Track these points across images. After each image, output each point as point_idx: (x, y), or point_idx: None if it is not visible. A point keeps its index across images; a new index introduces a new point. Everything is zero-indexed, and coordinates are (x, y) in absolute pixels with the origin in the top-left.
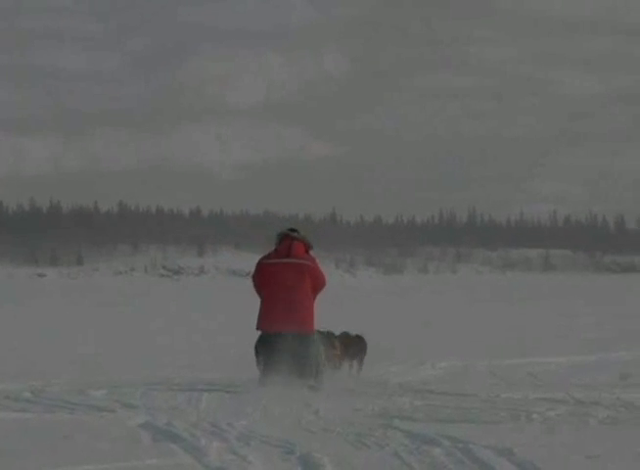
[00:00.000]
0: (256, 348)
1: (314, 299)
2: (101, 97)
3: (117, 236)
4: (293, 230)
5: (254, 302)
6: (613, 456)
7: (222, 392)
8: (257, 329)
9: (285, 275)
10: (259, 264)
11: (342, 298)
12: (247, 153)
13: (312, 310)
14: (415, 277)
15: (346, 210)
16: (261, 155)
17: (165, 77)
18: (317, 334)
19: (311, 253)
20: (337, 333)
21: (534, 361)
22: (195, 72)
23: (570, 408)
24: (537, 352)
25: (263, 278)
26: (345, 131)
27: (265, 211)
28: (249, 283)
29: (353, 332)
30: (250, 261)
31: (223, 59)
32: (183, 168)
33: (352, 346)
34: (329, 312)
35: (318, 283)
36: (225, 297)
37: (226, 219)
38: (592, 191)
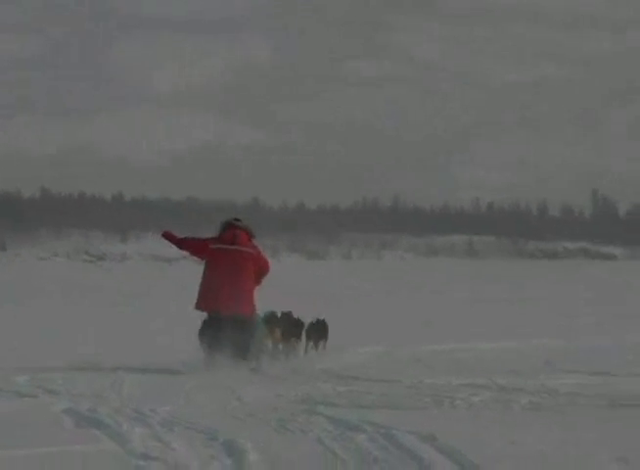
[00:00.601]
0: (201, 330)
1: (257, 285)
2: (22, 83)
3: (40, 221)
4: (237, 220)
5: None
6: (535, 442)
7: (146, 377)
8: (196, 308)
9: (229, 261)
10: (207, 248)
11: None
12: (169, 139)
13: (253, 296)
14: (340, 263)
15: (269, 195)
16: (183, 141)
17: (88, 64)
18: (259, 318)
19: (254, 241)
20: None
21: (458, 347)
22: (117, 59)
23: (493, 394)
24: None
25: (208, 261)
26: (268, 118)
27: (188, 197)
28: (174, 268)
29: (311, 318)
30: (173, 247)
31: (145, 46)
32: (105, 154)
33: (315, 330)
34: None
35: (262, 270)
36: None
37: (149, 205)
38: (515, 178)
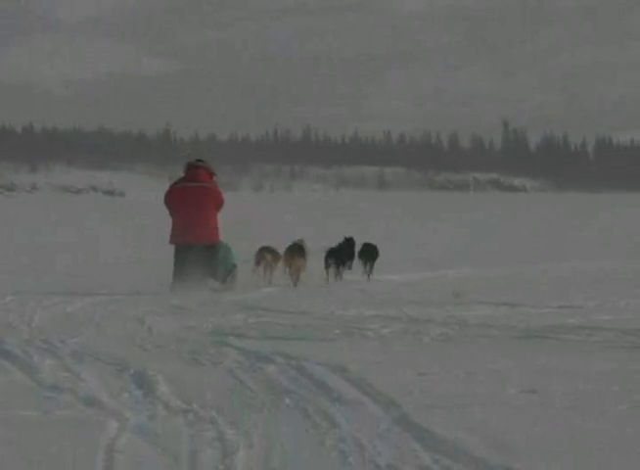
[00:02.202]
0: (175, 261)
1: (217, 215)
2: None
3: None
4: (199, 160)
5: None
6: (444, 373)
7: (56, 308)
8: (171, 243)
9: (193, 196)
10: (170, 188)
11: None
12: (80, 69)
13: (217, 225)
14: (250, 195)
15: (181, 126)
16: (95, 71)
17: None
18: (225, 244)
19: (214, 179)
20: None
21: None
22: None
23: (403, 326)
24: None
25: (174, 200)
26: (181, 47)
27: (99, 128)
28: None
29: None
30: (82, 178)
31: None
32: (15, 84)
33: (365, 253)
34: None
35: (219, 202)
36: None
37: (59, 136)
38: (426, 109)
